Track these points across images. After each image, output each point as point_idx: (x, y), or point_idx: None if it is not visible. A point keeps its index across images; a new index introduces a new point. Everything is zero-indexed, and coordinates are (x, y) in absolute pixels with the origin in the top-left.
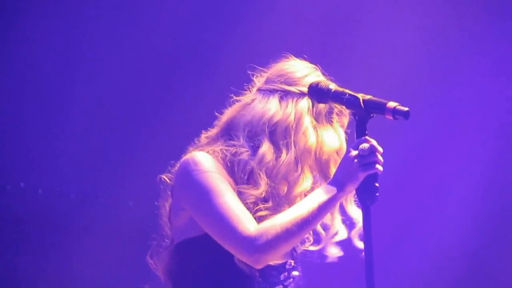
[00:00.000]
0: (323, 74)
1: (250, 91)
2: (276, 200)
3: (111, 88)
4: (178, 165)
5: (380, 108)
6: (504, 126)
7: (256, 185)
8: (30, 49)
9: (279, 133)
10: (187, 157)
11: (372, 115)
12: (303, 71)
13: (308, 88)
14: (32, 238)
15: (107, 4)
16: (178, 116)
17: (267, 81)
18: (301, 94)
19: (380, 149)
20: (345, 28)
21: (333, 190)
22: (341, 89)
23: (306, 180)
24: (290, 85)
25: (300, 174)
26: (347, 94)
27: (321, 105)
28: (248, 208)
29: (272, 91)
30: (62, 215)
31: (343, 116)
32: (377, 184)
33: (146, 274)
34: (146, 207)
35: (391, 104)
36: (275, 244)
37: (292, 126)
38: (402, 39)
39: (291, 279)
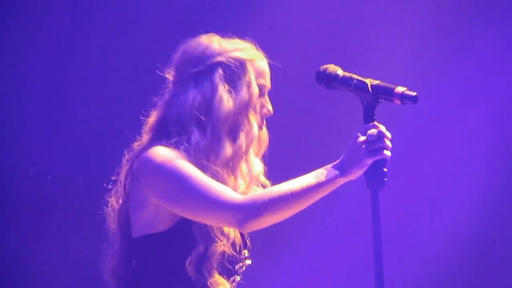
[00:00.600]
0: (221, 37)
1: (168, 89)
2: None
3: (119, 74)
4: (138, 161)
5: (388, 93)
6: None
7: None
8: (34, 35)
9: (204, 115)
10: (149, 151)
11: (380, 100)
12: (200, 46)
13: (316, 74)
14: (41, 224)
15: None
16: None
17: (177, 73)
18: (211, 67)
19: (389, 134)
20: (347, 27)
21: (334, 173)
22: (349, 74)
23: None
24: (197, 65)
25: (237, 147)
26: (355, 80)
27: (233, 68)
28: None
29: (185, 80)
30: (71, 200)
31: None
32: (385, 169)
33: None
34: None
35: (399, 89)
36: (261, 212)
37: (210, 102)
38: (402, 37)
39: (244, 267)
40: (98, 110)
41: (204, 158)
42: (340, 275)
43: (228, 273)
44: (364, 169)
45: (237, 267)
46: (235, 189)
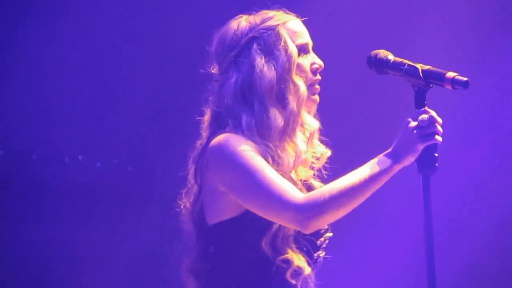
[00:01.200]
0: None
1: (216, 82)
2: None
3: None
4: (207, 152)
5: (439, 78)
6: None
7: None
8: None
9: (248, 93)
10: (219, 139)
11: (431, 85)
12: (230, 30)
13: (367, 59)
14: (90, 210)
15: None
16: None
17: (218, 64)
18: (246, 46)
19: (440, 120)
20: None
21: (388, 161)
22: (399, 59)
23: (301, 119)
24: (233, 49)
25: (288, 112)
26: (406, 65)
27: (266, 38)
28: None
29: (227, 68)
30: (120, 187)
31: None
32: (436, 154)
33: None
34: None
35: (450, 74)
36: (323, 210)
37: (251, 78)
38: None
39: (327, 241)
40: (145, 100)
41: (258, 136)
42: (392, 266)
43: (308, 249)
44: (417, 155)
45: (318, 242)
46: (299, 155)
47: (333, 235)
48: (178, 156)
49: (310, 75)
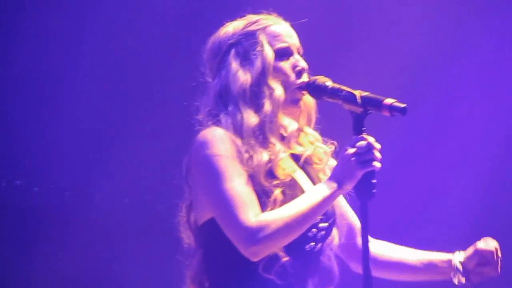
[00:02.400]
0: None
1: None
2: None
3: (106, 83)
4: (193, 147)
5: (377, 105)
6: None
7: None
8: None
9: (225, 97)
10: (200, 135)
11: (369, 111)
12: (217, 36)
13: (306, 85)
14: (26, 234)
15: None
16: (172, 114)
17: (208, 70)
18: (226, 52)
19: (378, 145)
20: (344, 25)
21: (333, 187)
22: (338, 86)
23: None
24: (216, 56)
25: (263, 114)
26: (344, 91)
27: (244, 43)
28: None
29: (214, 74)
30: (58, 211)
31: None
32: (374, 181)
33: (140, 266)
34: (143, 203)
35: (388, 100)
36: (274, 239)
37: (227, 83)
38: (401, 37)
39: (323, 232)
40: (85, 121)
41: (234, 133)
42: None
43: (298, 242)
44: (355, 181)
45: (309, 233)
46: (277, 153)
47: (328, 225)
48: (117, 180)
49: (292, 77)
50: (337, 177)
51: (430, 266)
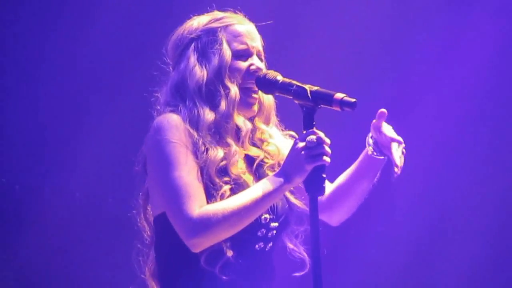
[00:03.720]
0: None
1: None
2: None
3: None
4: (148, 134)
5: (328, 99)
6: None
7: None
8: None
9: (182, 91)
10: (157, 120)
11: (319, 106)
12: (181, 30)
13: (256, 79)
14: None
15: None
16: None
17: (171, 61)
18: (186, 46)
19: (328, 140)
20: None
21: (280, 181)
22: (288, 80)
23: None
24: (178, 48)
25: (218, 113)
26: (295, 85)
27: (204, 39)
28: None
29: (174, 65)
30: (8, 207)
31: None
32: (324, 175)
33: (94, 261)
34: (95, 199)
35: (339, 95)
36: (214, 231)
37: (184, 76)
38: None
39: (274, 231)
40: (59, 120)
41: (190, 125)
42: None
43: (245, 241)
44: (305, 175)
45: (259, 233)
46: (232, 154)
47: (278, 225)
48: (67, 175)
49: (245, 77)
50: (286, 170)
51: (361, 164)
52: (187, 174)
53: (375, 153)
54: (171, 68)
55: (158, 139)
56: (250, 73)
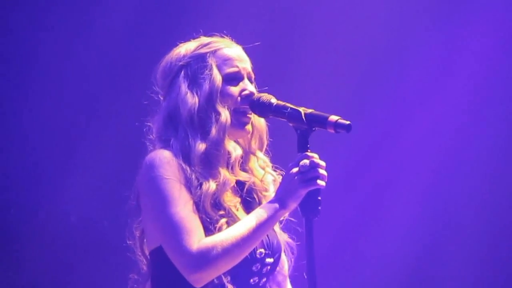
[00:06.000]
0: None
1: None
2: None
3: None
4: (141, 170)
5: (322, 122)
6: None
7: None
8: None
9: (175, 120)
10: (149, 157)
11: (314, 129)
12: (169, 57)
13: (250, 103)
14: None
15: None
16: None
17: (160, 90)
18: (176, 74)
19: (322, 163)
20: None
21: (275, 207)
22: (282, 103)
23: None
24: (167, 77)
25: (210, 140)
26: (289, 108)
27: (193, 65)
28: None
29: (164, 95)
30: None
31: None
32: (319, 198)
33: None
34: (88, 222)
35: (333, 117)
36: (215, 264)
37: (176, 105)
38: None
39: (268, 267)
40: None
41: (183, 159)
42: None
43: (240, 275)
44: (299, 199)
45: (254, 268)
46: (222, 183)
47: (273, 261)
48: (62, 198)
49: (237, 102)
50: (281, 196)
51: None
52: (183, 209)
53: None
54: (161, 97)
55: (151, 176)
56: (242, 98)
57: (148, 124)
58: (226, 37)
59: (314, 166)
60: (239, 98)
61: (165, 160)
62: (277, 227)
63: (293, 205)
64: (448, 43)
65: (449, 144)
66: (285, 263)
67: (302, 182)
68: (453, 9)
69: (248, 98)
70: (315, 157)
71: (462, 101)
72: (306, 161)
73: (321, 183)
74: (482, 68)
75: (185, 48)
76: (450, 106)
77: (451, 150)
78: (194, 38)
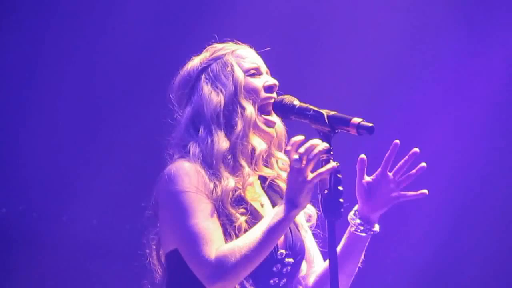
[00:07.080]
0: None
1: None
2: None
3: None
4: (158, 181)
5: (345, 124)
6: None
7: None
8: None
9: (198, 123)
10: (167, 170)
11: (336, 131)
12: (186, 68)
13: (273, 104)
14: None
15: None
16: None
17: (177, 101)
18: (196, 79)
19: (317, 149)
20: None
21: (285, 210)
22: (305, 105)
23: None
24: (186, 86)
25: (235, 135)
26: (312, 110)
27: (213, 67)
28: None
29: (185, 103)
30: (26, 233)
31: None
32: (341, 200)
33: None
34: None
35: (356, 119)
36: (234, 272)
37: (200, 107)
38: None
39: (288, 267)
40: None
41: (203, 162)
42: None
43: (261, 276)
44: (309, 195)
45: (274, 268)
46: (245, 177)
47: (294, 262)
48: (85, 202)
49: (262, 94)
50: (290, 197)
51: (345, 243)
52: (202, 220)
53: (359, 230)
54: (179, 113)
55: (170, 189)
56: (266, 89)
57: (168, 138)
58: (239, 42)
59: (307, 158)
60: (263, 90)
61: (183, 171)
62: (309, 235)
63: (304, 201)
64: (466, 49)
65: (468, 147)
66: (304, 270)
67: (301, 177)
68: (473, 13)
69: (271, 89)
70: (304, 147)
71: (482, 102)
72: (295, 156)
73: (324, 169)
74: (502, 72)
75: (200, 58)
76: (469, 108)
77: (470, 152)
78: (205, 48)
